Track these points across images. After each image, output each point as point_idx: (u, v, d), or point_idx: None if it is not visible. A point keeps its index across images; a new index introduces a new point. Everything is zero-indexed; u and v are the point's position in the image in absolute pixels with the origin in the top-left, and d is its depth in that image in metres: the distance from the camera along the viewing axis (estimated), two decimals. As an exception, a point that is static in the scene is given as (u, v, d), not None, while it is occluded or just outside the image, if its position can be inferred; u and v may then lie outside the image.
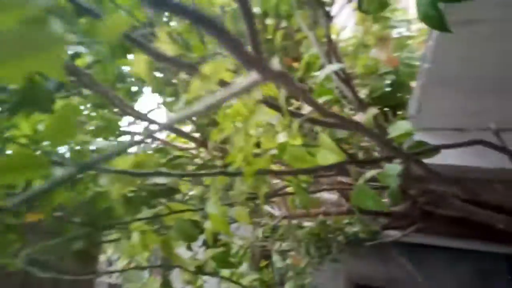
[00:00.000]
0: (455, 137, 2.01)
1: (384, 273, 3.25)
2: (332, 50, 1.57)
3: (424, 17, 0.94)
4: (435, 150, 1.15)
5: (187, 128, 2.02)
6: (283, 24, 1.70)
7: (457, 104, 1.91)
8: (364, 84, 2.34)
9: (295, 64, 1.97)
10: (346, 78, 1.66)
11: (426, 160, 1.84)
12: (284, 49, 1.83)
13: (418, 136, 2.30)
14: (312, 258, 2.68)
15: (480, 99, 1.88)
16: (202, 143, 1.68)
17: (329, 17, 1.51)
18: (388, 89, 2.39)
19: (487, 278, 3.44)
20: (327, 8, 1.53)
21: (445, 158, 1.99)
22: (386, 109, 2.40)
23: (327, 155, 0.90)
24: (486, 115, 1.93)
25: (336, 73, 1.63)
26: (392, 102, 2.48)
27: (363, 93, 2.34)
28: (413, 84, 2.12)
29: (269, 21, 1.79)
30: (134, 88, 1.47)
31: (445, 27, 0.95)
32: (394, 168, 1.07)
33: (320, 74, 1.86)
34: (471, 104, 1.91)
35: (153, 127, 1.51)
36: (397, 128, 1.12)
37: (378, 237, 2.84)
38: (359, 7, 1.27)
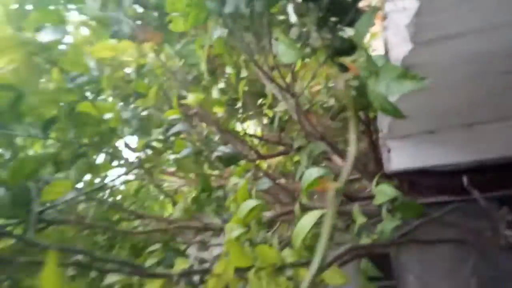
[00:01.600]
0: (427, 139, 2.08)
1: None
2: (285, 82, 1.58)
3: (382, 108, 0.97)
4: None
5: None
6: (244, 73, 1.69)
7: (427, 106, 1.96)
8: (330, 95, 2.36)
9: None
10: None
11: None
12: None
13: (390, 144, 2.36)
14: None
15: (450, 97, 1.93)
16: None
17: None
18: (354, 93, 2.41)
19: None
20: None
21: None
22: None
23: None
24: (456, 113, 1.98)
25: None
26: (362, 105, 2.53)
27: (331, 102, 2.37)
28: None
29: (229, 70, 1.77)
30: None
31: (400, 115, 0.98)
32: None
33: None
34: (440, 104, 1.96)
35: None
36: (383, 194, 1.17)
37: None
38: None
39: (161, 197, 2.83)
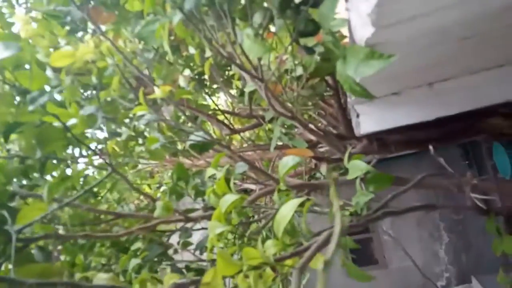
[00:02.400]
0: (393, 100, 2.15)
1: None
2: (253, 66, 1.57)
3: (351, 90, 0.98)
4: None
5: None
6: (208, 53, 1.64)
7: (390, 71, 2.00)
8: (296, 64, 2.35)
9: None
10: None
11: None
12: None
13: (358, 109, 2.42)
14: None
15: (411, 63, 1.98)
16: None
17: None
18: (319, 59, 2.42)
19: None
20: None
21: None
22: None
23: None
24: (417, 74, 2.04)
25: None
26: (328, 70, 2.54)
27: (299, 71, 2.37)
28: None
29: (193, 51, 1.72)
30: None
31: (370, 95, 1.00)
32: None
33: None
34: (402, 68, 2.01)
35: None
36: (356, 168, 1.21)
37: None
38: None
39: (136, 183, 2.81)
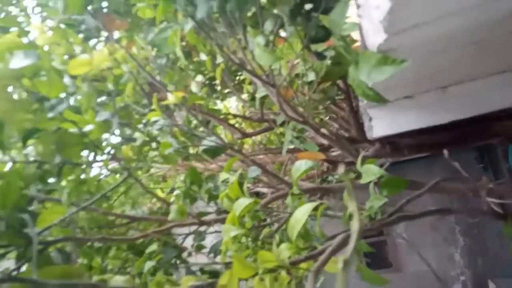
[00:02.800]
0: (406, 104, 2.13)
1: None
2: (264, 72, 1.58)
3: (364, 95, 0.99)
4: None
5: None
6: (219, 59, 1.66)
7: (404, 75, 2.00)
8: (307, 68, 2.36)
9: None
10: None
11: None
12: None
13: (371, 113, 2.42)
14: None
15: (424, 67, 1.97)
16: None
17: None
18: (330, 63, 2.42)
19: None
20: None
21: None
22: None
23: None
24: (430, 78, 2.03)
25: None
26: (340, 74, 2.54)
27: (311, 76, 2.37)
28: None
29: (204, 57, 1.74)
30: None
31: (383, 100, 1.00)
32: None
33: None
34: (416, 72, 2.00)
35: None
36: (369, 172, 1.21)
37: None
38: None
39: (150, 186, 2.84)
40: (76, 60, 1.19)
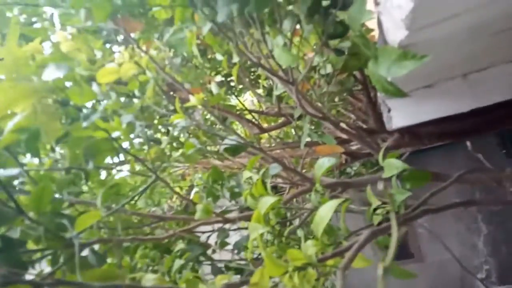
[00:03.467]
0: (425, 93, 2.11)
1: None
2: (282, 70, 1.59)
3: (384, 90, 0.99)
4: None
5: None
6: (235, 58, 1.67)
7: (423, 65, 1.97)
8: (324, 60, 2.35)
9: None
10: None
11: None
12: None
13: (390, 103, 2.39)
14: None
15: (444, 57, 1.95)
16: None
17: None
18: (346, 55, 2.40)
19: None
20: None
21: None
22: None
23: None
24: (451, 66, 2.00)
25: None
26: (357, 65, 2.52)
27: (328, 69, 2.36)
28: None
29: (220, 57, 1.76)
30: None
31: (404, 94, 1.00)
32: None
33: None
34: (435, 61, 1.98)
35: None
36: (391, 166, 1.21)
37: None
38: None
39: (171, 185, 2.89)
40: (104, 69, 1.23)
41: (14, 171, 0.91)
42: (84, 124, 1.04)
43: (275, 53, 0.99)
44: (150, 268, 1.62)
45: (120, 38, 2.23)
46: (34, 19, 1.73)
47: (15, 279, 0.63)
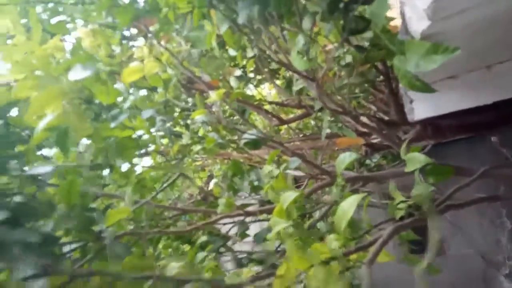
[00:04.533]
0: (449, 84, 2.06)
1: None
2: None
3: (410, 85, 0.98)
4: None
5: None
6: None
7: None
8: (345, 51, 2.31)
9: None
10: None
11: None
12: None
13: (412, 95, 2.35)
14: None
15: (468, 47, 1.90)
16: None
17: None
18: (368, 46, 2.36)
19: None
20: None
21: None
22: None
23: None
24: (474, 57, 1.96)
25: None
26: (379, 56, 2.48)
27: (348, 59, 2.33)
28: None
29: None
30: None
31: (431, 90, 0.98)
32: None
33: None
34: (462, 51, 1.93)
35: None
36: (415, 161, 1.20)
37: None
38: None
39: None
40: (129, 68, 1.25)
41: (47, 168, 0.95)
42: (113, 124, 1.07)
43: (291, 57, 0.99)
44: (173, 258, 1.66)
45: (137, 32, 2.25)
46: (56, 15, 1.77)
47: (55, 269, 0.67)
